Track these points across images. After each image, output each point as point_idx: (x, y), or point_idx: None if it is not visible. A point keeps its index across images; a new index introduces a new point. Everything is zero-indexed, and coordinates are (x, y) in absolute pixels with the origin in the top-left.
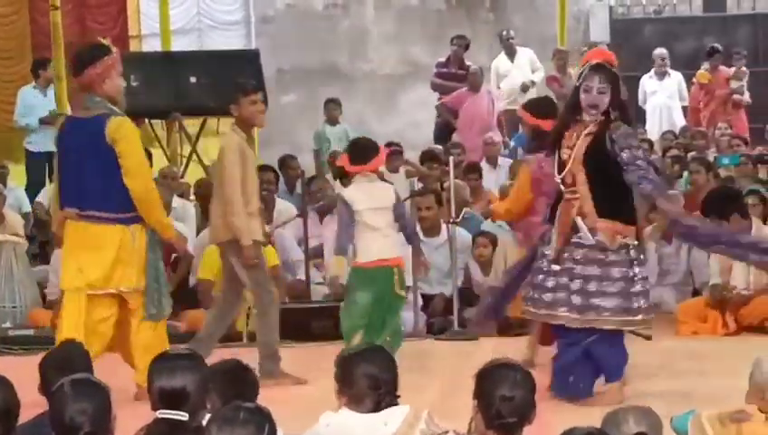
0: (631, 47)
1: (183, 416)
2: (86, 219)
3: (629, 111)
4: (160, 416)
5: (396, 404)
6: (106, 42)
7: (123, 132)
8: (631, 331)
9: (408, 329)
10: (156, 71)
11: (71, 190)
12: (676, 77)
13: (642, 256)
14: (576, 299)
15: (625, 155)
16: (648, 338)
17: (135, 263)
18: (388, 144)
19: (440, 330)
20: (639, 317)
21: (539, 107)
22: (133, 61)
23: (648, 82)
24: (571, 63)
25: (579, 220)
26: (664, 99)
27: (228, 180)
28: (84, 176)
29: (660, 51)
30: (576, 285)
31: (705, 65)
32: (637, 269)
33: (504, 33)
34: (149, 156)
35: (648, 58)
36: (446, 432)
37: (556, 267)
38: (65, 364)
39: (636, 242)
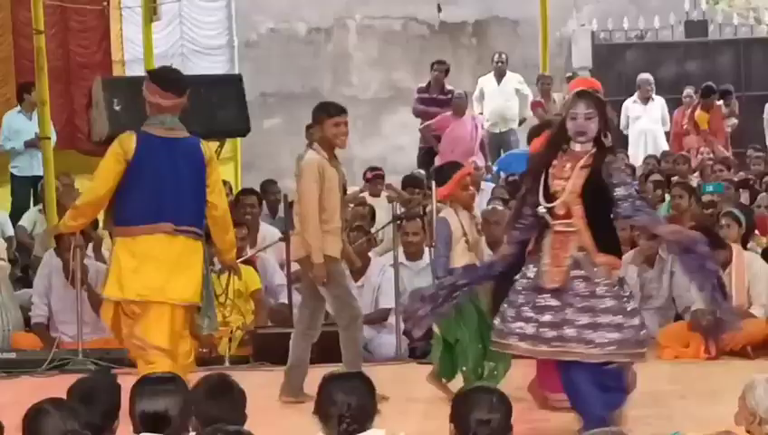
0: (613, 72)
1: None
2: (180, 234)
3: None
4: None
5: (364, 430)
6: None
7: (212, 152)
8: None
9: (390, 353)
10: (139, 95)
11: (164, 206)
12: (659, 102)
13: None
14: (589, 334)
15: (620, 191)
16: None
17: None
18: (371, 168)
19: (423, 354)
20: (644, 350)
21: None
22: (116, 85)
23: (631, 107)
24: (555, 89)
25: (581, 255)
26: (649, 124)
27: (303, 198)
28: (181, 193)
29: (646, 76)
30: (584, 319)
31: (689, 90)
32: (633, 302)
33: (497, 56)
34: None
35: (630, 83)
36: None
37: (554, 302)
38: (92, 395)
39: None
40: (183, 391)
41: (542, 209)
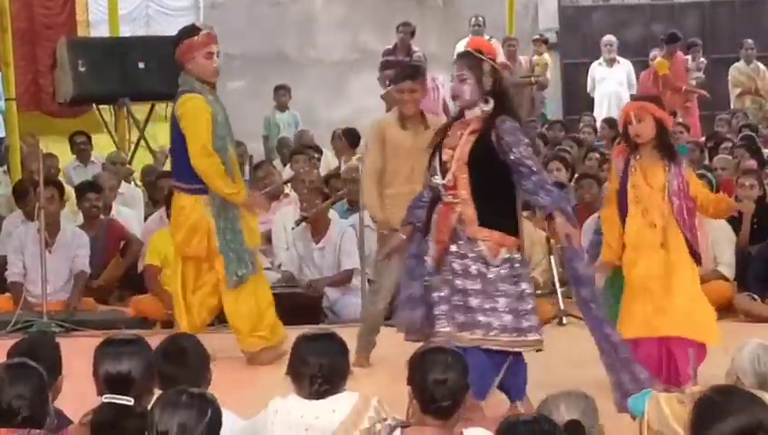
0: (580, 34)
1: (128, 401)
2: (176, 190)
3: (511, 101)
4: (106, 400)
5: (338, 392)
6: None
7: (184, 109)
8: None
9: (355, 315)
10: (104, 56)
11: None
12: (625, 64)
13: (527, 271)
14: (459, 315)
15: (512, 156)
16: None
17: (208, 230)
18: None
19: (388, 315)
20: (531, 337)
21: (657, 101)
22: (81, 46)
23: (597, 70)
24: (521, 51)
25: (459, 228)
26: (614, 86)
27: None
28: (173, 150)
29: (608, 38)
30: (457, 299)
31: (655, 51)
32: (524, 285)
33: (474, 19)
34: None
35: (596, 46)
36: (385, 420)
37: (432, 279)
38: (31, 354)
39: (519, 255)
40: (147, 352)
41: (435, 180)
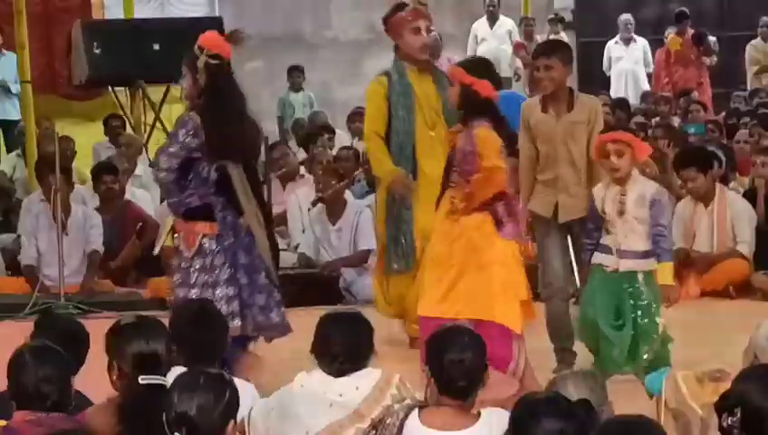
0: (595, 13)
1: (164, 380)
2: None
3: (223, 96)
4: (142, 381)
5: (358, 370)
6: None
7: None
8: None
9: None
10: (119, 38)
11: None
12: (641, 43)
13: (224, 261)
14: None
15: None
16: None
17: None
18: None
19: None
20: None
21: (475, 66)
22: (96, 29)
23: (613, 48)
24: (537, 31)
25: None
26: (630, 65)
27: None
28: None
29: (626, 16)
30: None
31: (670, 29)
32: (216, 273)
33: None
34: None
35: (612, 24)
36: (404, 400)
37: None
38: (61, 335)
39: (214, 244)
40: (165, 332)
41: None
